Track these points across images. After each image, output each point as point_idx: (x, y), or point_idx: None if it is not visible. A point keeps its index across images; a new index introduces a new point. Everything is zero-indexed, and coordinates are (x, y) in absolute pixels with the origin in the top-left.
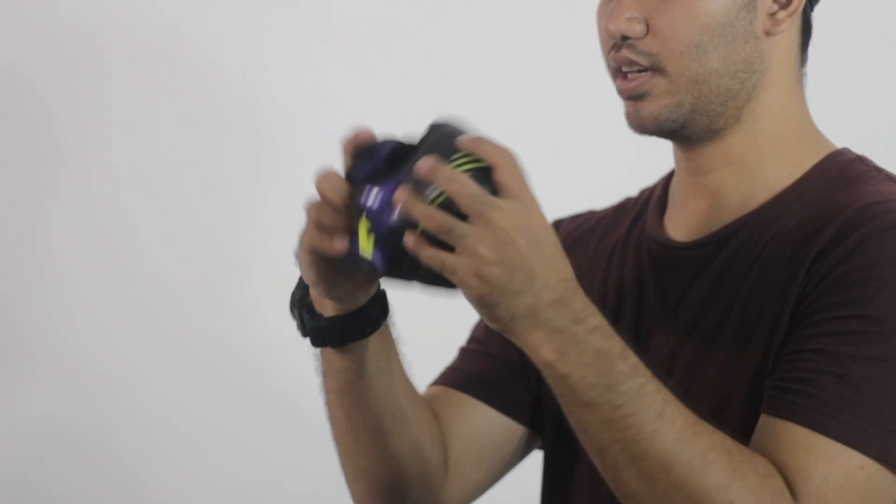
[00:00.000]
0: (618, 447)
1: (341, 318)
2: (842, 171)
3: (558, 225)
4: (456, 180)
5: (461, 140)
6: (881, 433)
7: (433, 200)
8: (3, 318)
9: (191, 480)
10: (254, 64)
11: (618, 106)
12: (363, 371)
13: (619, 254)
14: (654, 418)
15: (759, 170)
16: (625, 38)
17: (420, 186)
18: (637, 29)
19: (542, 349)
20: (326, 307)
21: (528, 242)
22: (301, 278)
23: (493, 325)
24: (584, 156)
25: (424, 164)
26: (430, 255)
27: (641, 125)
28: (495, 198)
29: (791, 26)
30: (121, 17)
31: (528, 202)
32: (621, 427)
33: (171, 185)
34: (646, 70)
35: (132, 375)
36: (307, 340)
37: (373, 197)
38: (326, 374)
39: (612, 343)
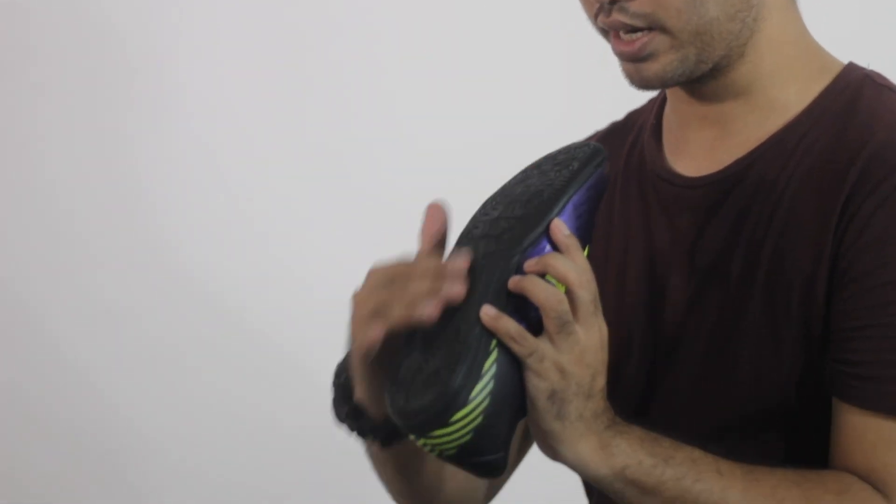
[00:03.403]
0: None
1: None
2: (854, 93)
3: None
4: (556, 295)
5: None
6: None
7: None
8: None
9: (195, 468)
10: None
11: (603, 86)
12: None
13: (620, 189)
14: (717, 478)
15: (767, 97)
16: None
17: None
18: None
19: (593, 455)
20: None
21: (608, 356)
22: (343, 364)
23: (550, 426)
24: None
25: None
26: (518, 333)
27: (645, 84)
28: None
29: None
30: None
31: (604, 324)
32: (691, 498)
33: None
34: (643, 30)
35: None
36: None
37: None
38: (379, 462)
39: (644, 429)
